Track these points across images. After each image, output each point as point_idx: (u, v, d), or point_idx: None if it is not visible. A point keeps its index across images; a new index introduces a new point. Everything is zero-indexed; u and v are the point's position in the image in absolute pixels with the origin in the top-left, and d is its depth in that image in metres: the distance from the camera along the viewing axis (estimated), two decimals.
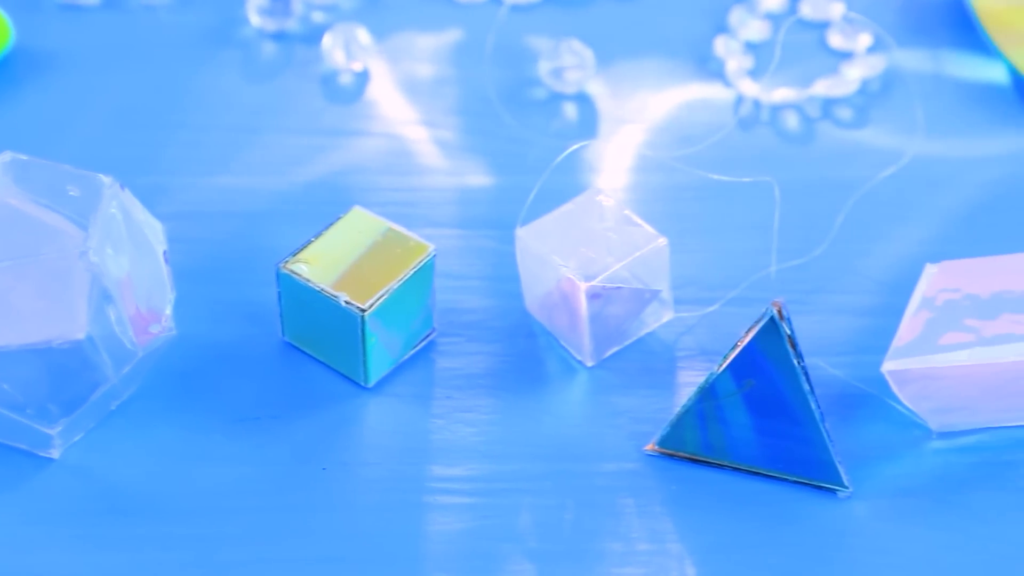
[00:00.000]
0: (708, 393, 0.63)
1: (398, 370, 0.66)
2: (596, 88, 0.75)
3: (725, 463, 0.64)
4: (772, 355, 0.62)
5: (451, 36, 0.77)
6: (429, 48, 0.77)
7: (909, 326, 0.64)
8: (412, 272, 0.65)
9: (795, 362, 0.62)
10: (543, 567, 0.61)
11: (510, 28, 0.77)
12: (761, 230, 0.70)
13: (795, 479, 0.64)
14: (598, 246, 0.66)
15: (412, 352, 0.67)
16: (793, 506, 0.63)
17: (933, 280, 0.66)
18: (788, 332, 0.62)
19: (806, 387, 0.62)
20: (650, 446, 0.65)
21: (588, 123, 0.74)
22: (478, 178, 0.72)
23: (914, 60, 0.76)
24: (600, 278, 0.65)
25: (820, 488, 0.63)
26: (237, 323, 0.67)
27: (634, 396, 0.66)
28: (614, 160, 0.73)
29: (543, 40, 0.76)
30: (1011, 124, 0.73)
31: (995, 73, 0.75)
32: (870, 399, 0.65)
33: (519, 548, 0.62)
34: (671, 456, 0.65)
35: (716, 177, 0.70)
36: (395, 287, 0.65)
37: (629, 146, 0.73)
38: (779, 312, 0.62)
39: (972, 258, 0.66)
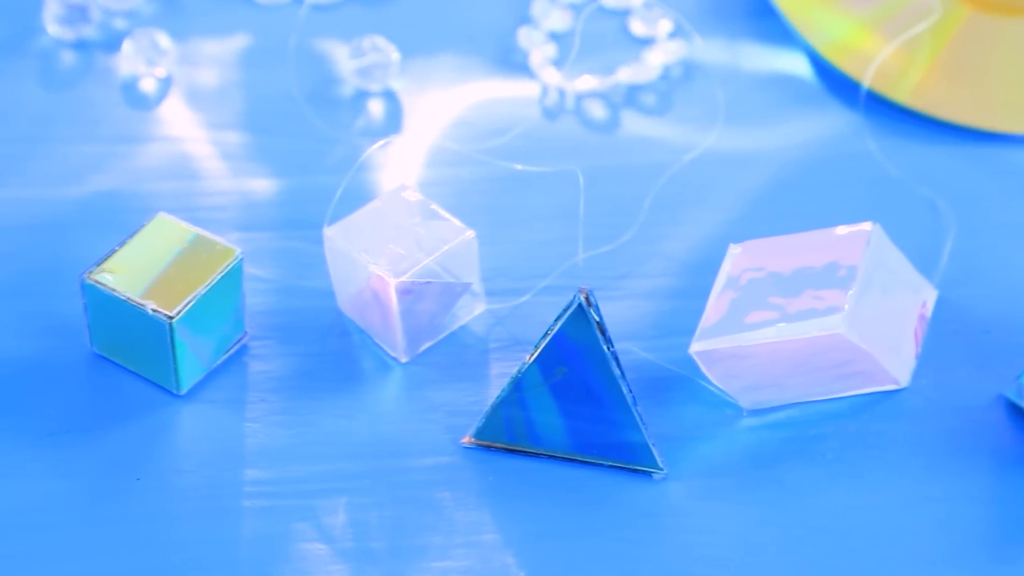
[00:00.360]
0: (520, 383, 0.64)
1: (211, 376, 0.66)
2: (401, 84, 0.75)
3: (541, 451, 0.65)
4: (581, 342, 0.63)
5: (253, 38, 0.77)
6: (231, 51, 0.76)
7: (715, 306, 0.65)
8: (219, 277, 0.65)
9: (604, 348, 0.63)
10: (363, 566, 0.61)
11: (312, 28, 0.77)
12: (569, 219, 0.70)
13: (611, 464, 0.64)
14: (407, 242, 0.66)
15: (224, 357, 0.66)
16: (610, 490, 0.64)
17: (737, 260, 0.67)
18: (596, 319, 0.63)
19: (616, 372, 0.63)
20: (466, 439, 0.65)
21: (394, 119, 0.74)
22: (284, 179, 0.72)
23: (714, 44, 0.76)
24: (410, 274, 0.65)
25: (635, 471, 0.64)
26: (42, 336, 0.66)
27: (449, 390, 0.66)
28: (420, 155, 0.73)
29: (347, 38, 0.76)
30: (809, 106, 0.74)
31: (794, 56, 0.76)
32: (682, 381, 0.66)
33: (338, 548, 0.62)
34: (488, 447, 0.65)
35: (520, 168, 0.71)
36: (203, 293, 0.64)
37: (435, 141, 0.73)
38: (586, 299, 0.63)
39: (773, 237, 0.67)
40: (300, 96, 0.74)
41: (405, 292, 0.66)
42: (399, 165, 0.72)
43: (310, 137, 0.73)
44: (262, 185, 0.72)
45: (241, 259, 0.65)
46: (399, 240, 0.66)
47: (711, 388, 0.66)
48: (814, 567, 0.61)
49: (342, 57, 0.75)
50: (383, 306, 0.66)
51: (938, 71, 0.74)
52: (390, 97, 0.75)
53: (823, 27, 0.76)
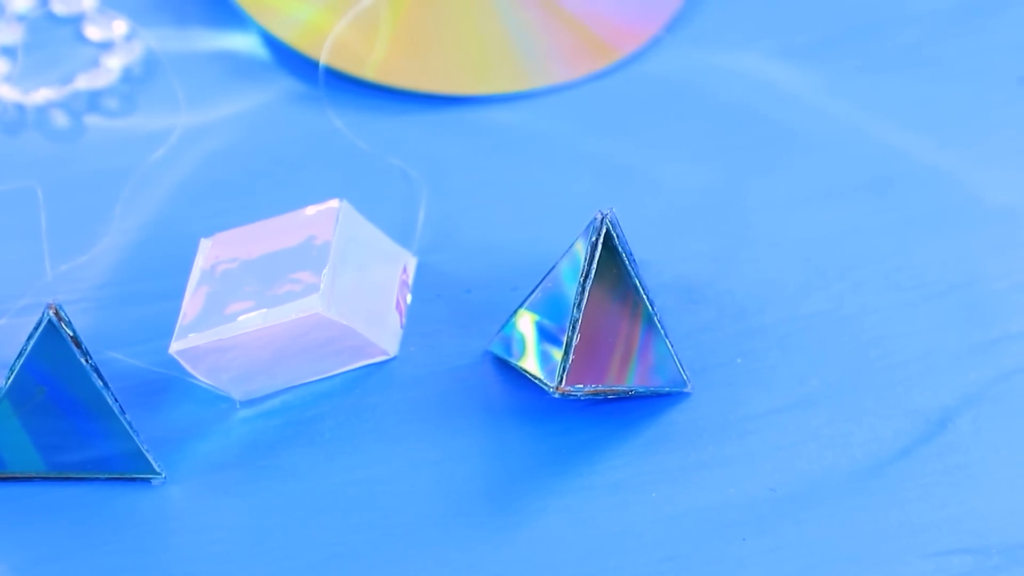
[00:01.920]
0: (1, 409, 0.62)
1: None
2: None
3: (32, 475, 0.63)
4: (57, 359, 0.61)
5: None
6: None
7: (192, 303, 0.65)
8: None
9: (83, 361, 0.62)
10: None
11: None
12: (37, 236, 0.68)
13: (107, 476, 0.63)
14: None
15: None
16: (109, 503, 0.62)
17: (209, 254, 0.66)
18: (70, 333, 0.61)
19: (99, 383, 0.62)
20: None
21: None
22: None
23: (170, 39, 0.76)
24: None
25: (134, 480, 0.63)
26: None
27: None
28: None
29: None
30: (271, 91, 0.74)
31: (251, 43, 0.76)
32: (172, 382, 0.65)
33: None
34: None
35: None
36: None
37: None
38: (56, 314, 0.61)
39: (244, 226, 0.67)
40: None
41: None
42: None
43: None
44: None
45: None
46: None
47: (202, 385, 0.65)
48: (320, 547, 0.61)
49: None
50: None
51: (397, 44, 0.75)
52: None
53: (280, 12, 0.76)
